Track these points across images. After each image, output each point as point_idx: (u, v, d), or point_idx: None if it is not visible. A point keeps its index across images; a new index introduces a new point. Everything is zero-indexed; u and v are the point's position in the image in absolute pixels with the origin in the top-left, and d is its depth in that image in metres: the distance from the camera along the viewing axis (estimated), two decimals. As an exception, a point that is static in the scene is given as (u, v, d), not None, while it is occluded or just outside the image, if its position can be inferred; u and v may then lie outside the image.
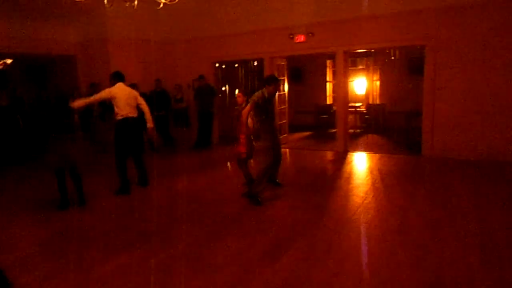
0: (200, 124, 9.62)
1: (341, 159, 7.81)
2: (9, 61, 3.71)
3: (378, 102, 11.96)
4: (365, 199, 5.04)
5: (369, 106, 11.76)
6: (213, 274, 3.22)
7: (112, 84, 5.80)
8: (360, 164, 7.38)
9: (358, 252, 3.56)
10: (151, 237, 4.09)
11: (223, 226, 4.35)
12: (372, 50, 10.41)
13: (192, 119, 10.15)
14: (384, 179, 6.04)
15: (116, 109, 5.71)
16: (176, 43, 10.41)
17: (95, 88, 8.52)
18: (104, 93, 5.70)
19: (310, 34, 8.31)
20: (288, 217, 4.60)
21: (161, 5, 4.76)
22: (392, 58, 11.15)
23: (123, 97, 5.69)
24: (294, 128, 11.60)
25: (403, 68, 10.91)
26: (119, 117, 5.70)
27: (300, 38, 8.46)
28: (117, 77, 5.86)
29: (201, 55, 10.09)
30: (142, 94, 7.45)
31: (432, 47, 7.15)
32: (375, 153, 8.10)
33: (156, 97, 9.31)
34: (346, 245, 3.72)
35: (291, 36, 8.53)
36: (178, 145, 9.66)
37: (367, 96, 12.23)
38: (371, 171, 6.66)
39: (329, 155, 8.25)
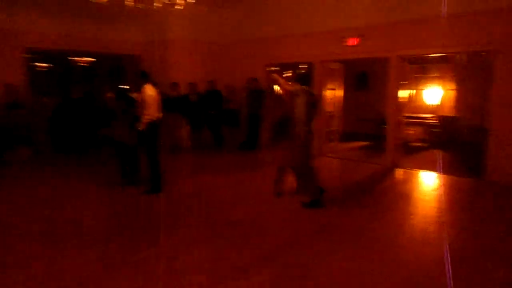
0: (248, 125, 9.65)
1: (383, 175, 7.10)
2: None
3: (451, 114, 10.63)
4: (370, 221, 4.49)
5: (441, 118, 10.51)
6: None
7: (140, 84, 5.75)
8: (400, 183, 6.62)
9: None
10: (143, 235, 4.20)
11: (222, 230, 4.26)
12: (441, 55, 9.26)
13: (242, 120, 10.23)
14: (412, 204, 5.31)
15: (144, 111, 5.63)
16: (232, 45, 10.58)
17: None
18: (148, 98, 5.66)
19: (362, 37, 7.72)
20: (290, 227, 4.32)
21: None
22: (466, 64, 9.80)
23: (156, 98, 5.77)
24: (352, 136, 10.92)
25: (478, 77, 9.51)
26: (147, 119, 5.66)
27: (352, 41, 7.91)
28: (145, 78, 5.83)
29: (255, 57, 10.09)
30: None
31: (502, 52, 6.07)
32: (426, 171, 7.19)
33: (209, 97, 9.62)
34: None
35: (343, 39, 8.03)
36: (226, 145, 9.83)
37: (441, 106, 10.95)
38: (406, 193, 5.91)
39: (374, 169, 7.56)
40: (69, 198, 5.62)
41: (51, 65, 13.76)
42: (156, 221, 4.56)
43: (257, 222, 4.59)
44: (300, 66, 9.98)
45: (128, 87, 9.34)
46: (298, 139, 4.98)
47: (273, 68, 8.53)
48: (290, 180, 5.47)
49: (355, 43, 7.89)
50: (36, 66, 14.19)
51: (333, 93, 9.19)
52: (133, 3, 4.24)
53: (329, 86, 8.97)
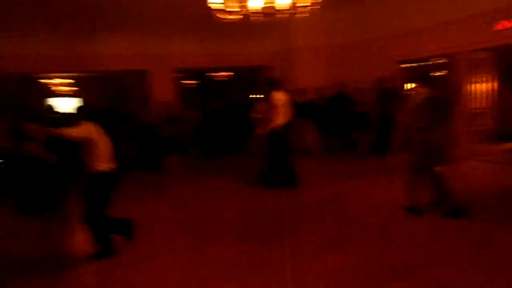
0: (379, 128, 9.17)
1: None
2: None
3: None
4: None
5: None
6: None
7: (269, 91, 6.11)
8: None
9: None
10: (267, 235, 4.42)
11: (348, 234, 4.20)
12: None
13: (372, 122, 9.78)
14: None
15: (274, 116, 5.96)
16: (358, 45, 10.24)
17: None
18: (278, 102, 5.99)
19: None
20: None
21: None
22: None
23: (284, 104, 6.08)
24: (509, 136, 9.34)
25: None
26: (277, 123, 5.95)
27: (503, 24, 6.75)
28: (274, 84, 6.16)
29: (385, 55, 9.54)
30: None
31: None
32: None
33: (336, 100, 9.55)
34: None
35: (490, 23, 6.92)
36: (357, 149, 9.56)
37: None
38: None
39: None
40: (214, 197, 6.33)
41: (195, 81, 15.75)
42: (289, 223, 4.70)
43: (392, 232, 4.32)
44: (435, 61, 9.01)
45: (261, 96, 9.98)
46: (428, 142, 4.52)
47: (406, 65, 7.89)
48: (425, 189, 4.94)
49: (508, 26, 6.72)
50: (185, 83, 16.48)
51: (481, 87, 8.00)
52: (258, 18, 4.53)
53: (474, 79, 7.85)
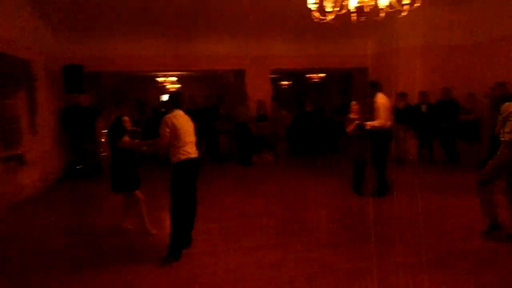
0: (490, 140, 8.12)
1: None
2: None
3: None
4: None
5: None
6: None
7: (372, 93, 6.00)
8: None
9: None
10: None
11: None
12: None
13: (482, 133, 8.70)
14: None
15: (376, 118, 5.82)
16: (473, 47, 9.19)
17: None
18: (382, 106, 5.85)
19: None
20: None
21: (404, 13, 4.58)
22: None
23: (387, 106, 5.92)
24: None
25: None
26: (377, 126, 5.80)
27: None
28: (376, 87, 6.07)
29: (500, 58, 8.41)
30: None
31: None
32: None
33: (442, 107, 8.77)
34: None
35: None
36: (461, 161, 8.64)
37: None
38: None
39: None
40: (302, 196, 6.40)
41: (290, 82, 15.93)
42: (375, 233, 4.44)
43: (488, 261, 3.80)
44: None
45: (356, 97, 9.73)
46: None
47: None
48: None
49: None
50: (279, 84, 16.82)
51: None
52: (356, 18, 4.39)
53: None
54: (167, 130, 3.85)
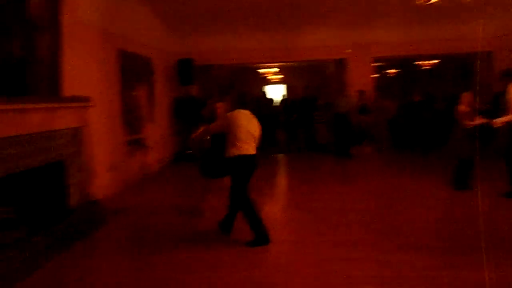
0: None
1: None
2: None
3: None
4: None
5: None
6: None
7: (506, 82, 5.36)
8: None
9: None
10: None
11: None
12: None
13: None
14: None
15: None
16: None
17: None
18: None
19: None
20: None
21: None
22: None
23: None
24: None
25: None
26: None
27: None
28: (510, 75, 5.42)
29: None
30: None
31: None
32: None
33: None
34: None
35: None
36: None
37: None
38: None
39: None
40: (401, 194, 5.97)
41: (396, 70, 14.87)
42: (487, 241, 3.81)
43: None
44: None
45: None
46: None
47: None
48: None
49: None
50: (384, 72, 15.85)
51: None
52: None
53: None
54: (221, 123, 4.23)
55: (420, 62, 12.13)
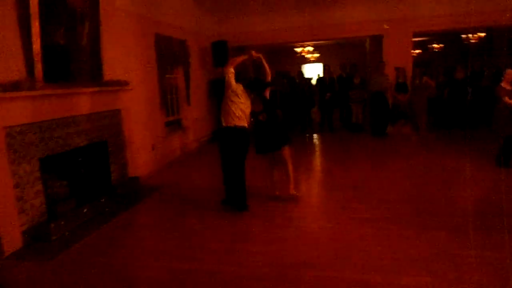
0: None
1: None
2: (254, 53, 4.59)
3: None
4: None
5: None
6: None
7: None
8: None
9: None
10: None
11: None
12: None
13: None
14: None
15: None
16: None
17: None
18: None
19: None
20: None
21: None
22: None
23: None
24: None
25: None
26: None
27: None
28: None
29: None
30: None
31: None
32: None
33: None
34: None
35: None
36: None
37: None
38: None
39: None
40: (432, 174, 5.86)
41: (439, 45, 14.05)
42: None
43: None
44: None
45: None
46: None
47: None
48: None
49: None
50: (429, 47, 15.07)
51: None
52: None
53: None
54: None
55: (465, 36, 11.39)
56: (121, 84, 5.37)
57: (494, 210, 4.21)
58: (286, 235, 3.91)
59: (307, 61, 16.97)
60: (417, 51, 17.59)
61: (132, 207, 4.99)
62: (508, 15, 8.53)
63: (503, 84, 5.45)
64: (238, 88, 4.44)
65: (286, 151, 4.72)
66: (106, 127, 5.21)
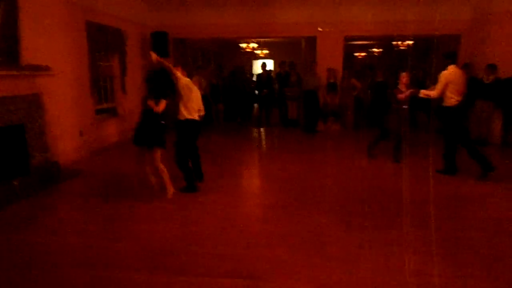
0: None
1: None
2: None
3: None
4: None
5: None
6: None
7: (445, 64, 5.64)
8: None
9: None
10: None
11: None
12: None
13: None
14: None
15: (447, 93, 5.52)
16: None
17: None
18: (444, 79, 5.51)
19: None
20: None
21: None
22: None
23: (456, 81, 5.50)
24: None
25: None
26: (449, 102, 5.57)
27: None
28: (450, 58, 5.73)
29: None
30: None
31: None
32: None
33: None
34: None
35: None
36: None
37: None
38: None
39: None
40: (344, 167, 6.48)
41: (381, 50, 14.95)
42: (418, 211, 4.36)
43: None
44: None
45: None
46: None
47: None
48: None
49: None
50: (371, 52, 16.00)
51: None
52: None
53: None
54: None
55: (395, 43, 12.30)
56: (40, 69, 5.42)
57: (380, 198, 4.82)
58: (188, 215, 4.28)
59: (258, 57, 17.46)
60: (363, 54, 18.63)
61: (48, 188, 5.14)
62: (427, 26, 9.36)
63: (399, 87, 6.16)
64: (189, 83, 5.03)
65: (157, 154, 4.74)
66: (23, 110, 5.27)
